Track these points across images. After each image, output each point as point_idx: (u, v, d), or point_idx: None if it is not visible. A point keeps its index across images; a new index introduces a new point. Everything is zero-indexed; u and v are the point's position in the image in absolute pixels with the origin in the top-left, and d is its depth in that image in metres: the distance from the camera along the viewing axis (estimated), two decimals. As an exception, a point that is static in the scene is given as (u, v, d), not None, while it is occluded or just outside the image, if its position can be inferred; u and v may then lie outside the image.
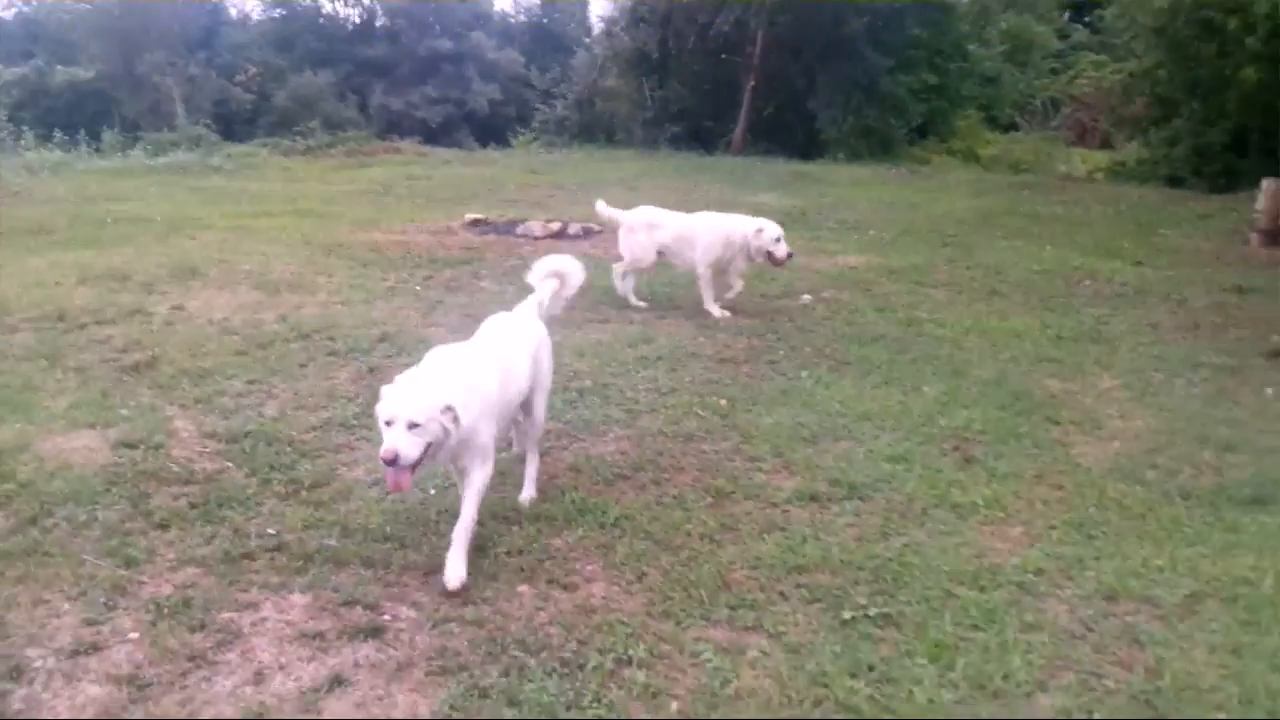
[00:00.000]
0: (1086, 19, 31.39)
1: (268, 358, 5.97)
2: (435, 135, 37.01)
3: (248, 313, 6.96)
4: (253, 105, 39.46)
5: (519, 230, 10.93)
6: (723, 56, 23.07)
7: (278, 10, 46.58)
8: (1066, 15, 33.04)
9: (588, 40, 36.11)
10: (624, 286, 7.72)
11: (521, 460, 4.24)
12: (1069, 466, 4.56)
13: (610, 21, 27.03)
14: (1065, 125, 27.62)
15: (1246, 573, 3.56)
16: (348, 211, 12.40)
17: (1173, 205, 14.11)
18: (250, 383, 5.49)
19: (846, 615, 3.22)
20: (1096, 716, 2.72)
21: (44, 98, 31.92)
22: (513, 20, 54.71)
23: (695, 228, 7.48)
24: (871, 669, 2.93)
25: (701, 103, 23.76)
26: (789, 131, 22.43)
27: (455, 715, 2.71)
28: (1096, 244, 10.76)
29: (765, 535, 3.80)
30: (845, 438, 4.86)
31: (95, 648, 2.98)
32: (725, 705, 2.76)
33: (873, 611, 3.24)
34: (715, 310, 7.36)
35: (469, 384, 3.43)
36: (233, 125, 31.76)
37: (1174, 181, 17.44)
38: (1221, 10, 15.60)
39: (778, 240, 7.13)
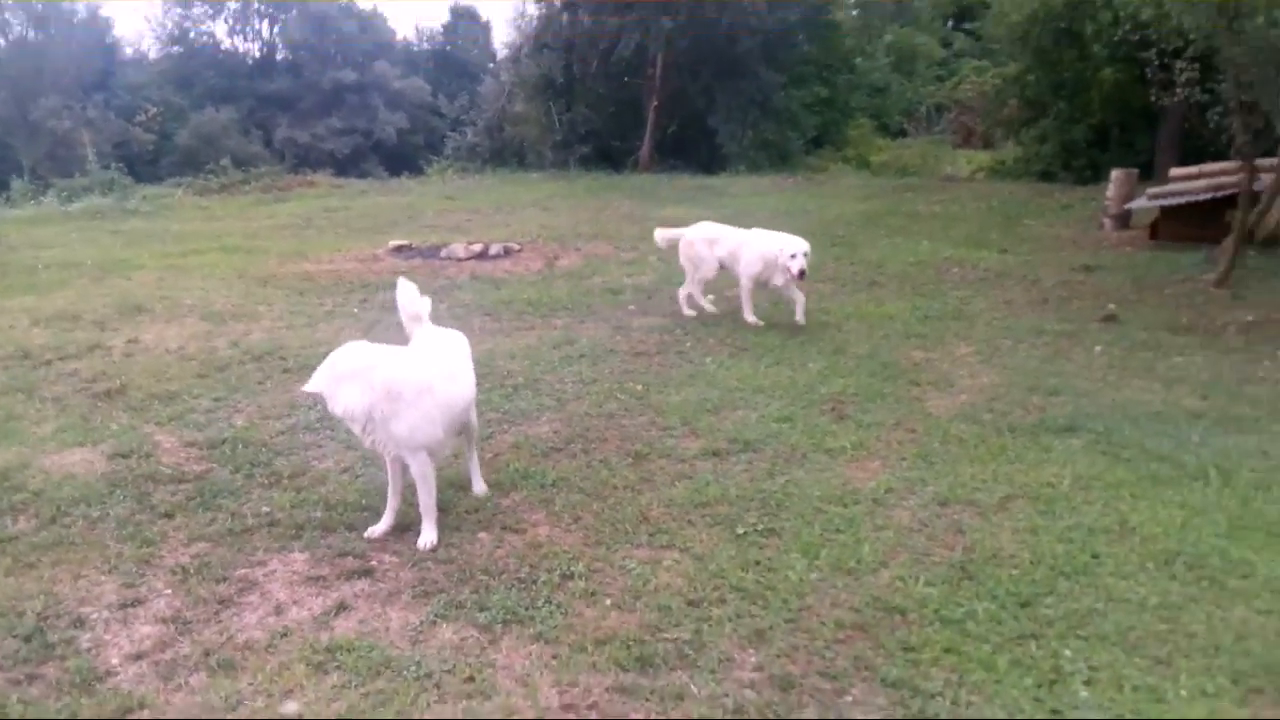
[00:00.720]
0: (967, 27, 33.44)
1: (227, 378, 6.61)
2: (344, 166, 37.32)
3: (200, 341, 7.56)
4: (155, 145, 39.15)
5: (443, 253, 11.62)
6: (626, 79, 24.09)
7: (175, 48, 46.18)
8: (949, 23, 35.13)
9: (493, 66, 36.88)
10: (691, 300, 8.27)
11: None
12: (922, 415, 5.55)
13: (515, 49, 27.86)
14: (950, 129, 29.48)
15: (1050, 479, 4.57)
16: (273, 245, 12.90)
17: (1040, 198, 15.55)
18: (216, 400, 6.14)
19: (740, 531, 4.11)
20: (923, 579, 3.64)
21: (-64, 148, 31.35)
22: (416, 48, 55.17)
23: (744, 244, 7.98)
24: (758, 564, 3.81)
25: (608, 124, 24.72)
26: (693, 147, 23.54)
27: (439, 621, 3.49)
28: (967, 236, 12.00)
29: (676, 483, 4.67)
30: (742, 407, 5.77)
31: (138, 601, 3.67)
32: (647, 595, 3.61)
33: (760, 527, 4.13)
34: (750, 318, 7.94)
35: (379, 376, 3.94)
36: (135, 166, 31.50)
37: (1046, 176, 19.01)
38: (1074, 20, 17.18)
39: (793, 256, 7.46)
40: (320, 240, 13.43)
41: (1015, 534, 4.04)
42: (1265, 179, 10.06)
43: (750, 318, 7.98)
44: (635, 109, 24.10)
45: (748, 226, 8.27)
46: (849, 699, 2.99)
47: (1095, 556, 3.84)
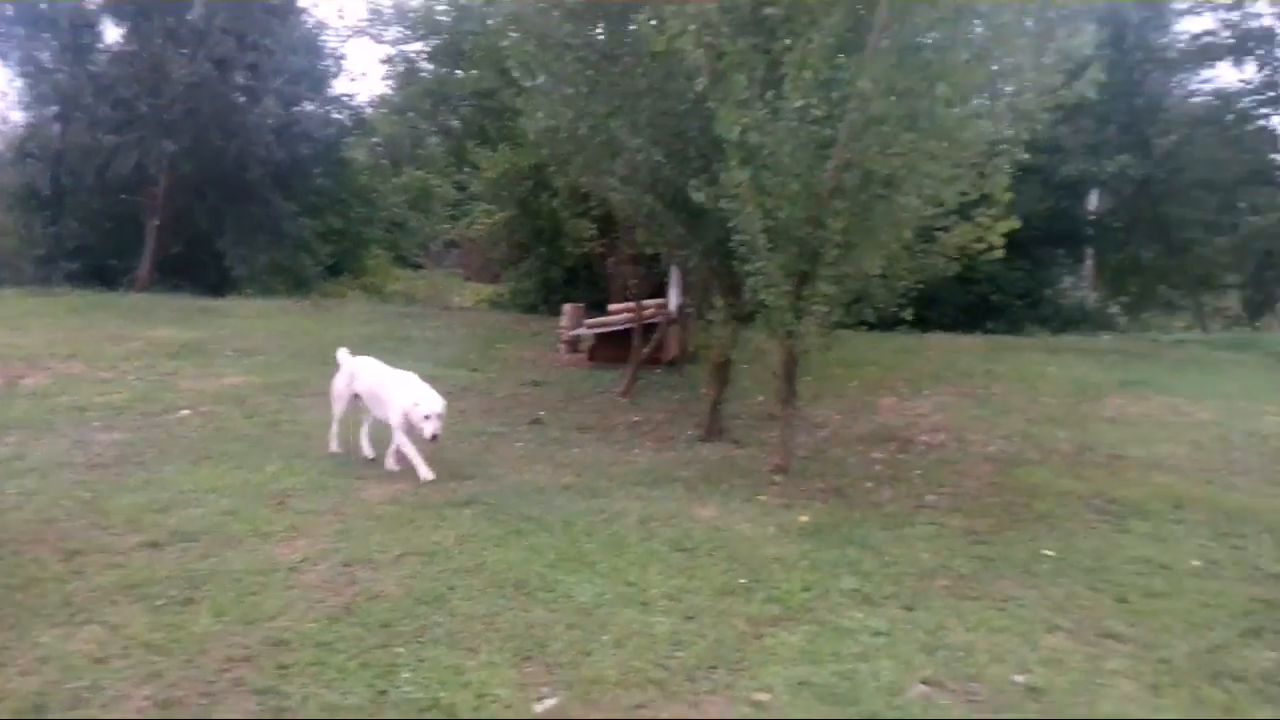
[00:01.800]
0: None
1: None
2: None
3: None
4: None
5: None
6: (123, 196, 22.98)
7: None
8: (464, 169, 38.49)
9: (-40, 170, 32.52)
10: (337, 437, 7.96)
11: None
12: (356, 502, 6.59)
13: (-11, 154, 25.17)
14: (461, 263, 32.19)
15: (439, 539, 5.82)
16: None
17: (518, 326, 17.94)
18: None
19: (159, 603, 4.73)
20: (311, 619, 4.59)
21: None
22: None
23: (383, 384, 7.50)
24: (169, 625, 4.48)
25: (103, 240, 23.26)
26: (200, 268, 23.03)
27: None
28: (449, 358, 13.60)
29: (106, 571, 5.14)
30: (192, 506, 6.33)
31: None
32: (55, 660, 4.10)
33: (180, 599, 4.80)
34: (422, 472, 7.21)
35: None
36: None
37: (530, 309, 21.77)
38: (541, 178, 20.29)
39: (426, 417, 7.04)
40: None
41: (399, 580, 5.17)
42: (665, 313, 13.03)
43: (423, 471, 7.22)
44: (135, 226, 23.00)
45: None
46: (222, 706, 3.80)
47: (452, 588, 5.08)
